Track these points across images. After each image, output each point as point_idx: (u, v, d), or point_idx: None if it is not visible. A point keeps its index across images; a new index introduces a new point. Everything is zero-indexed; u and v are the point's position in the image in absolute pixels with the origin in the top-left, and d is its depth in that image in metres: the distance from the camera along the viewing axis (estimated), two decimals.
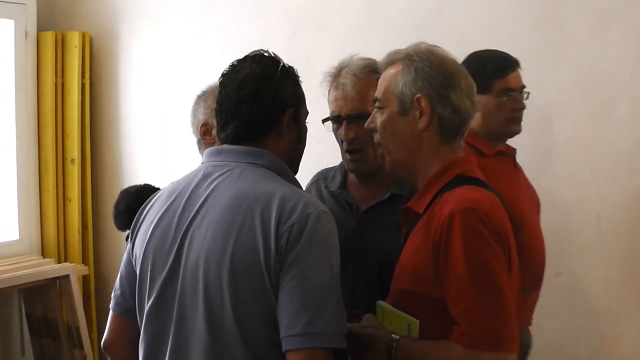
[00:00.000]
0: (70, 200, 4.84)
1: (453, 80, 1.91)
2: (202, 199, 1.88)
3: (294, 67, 2.05)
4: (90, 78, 4.83)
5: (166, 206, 1.94)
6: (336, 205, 2.41)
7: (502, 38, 3.13)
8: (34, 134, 4.77)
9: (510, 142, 3.00)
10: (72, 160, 4.79)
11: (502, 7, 3.24)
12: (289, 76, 2.00)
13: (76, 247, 4.81)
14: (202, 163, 2.00)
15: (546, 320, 3.03)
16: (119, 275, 2.08)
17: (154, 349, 1.92)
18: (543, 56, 3.16)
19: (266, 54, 2.01)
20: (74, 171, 4.80)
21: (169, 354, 1.87)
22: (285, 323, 1.74)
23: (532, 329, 2.86)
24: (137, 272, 1.97)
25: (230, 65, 2.01)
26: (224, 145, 1.98)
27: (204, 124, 2.53)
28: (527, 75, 3.02)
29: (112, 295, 2.10)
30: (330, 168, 2.53)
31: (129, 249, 2.04)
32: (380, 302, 1.96)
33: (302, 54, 3.64)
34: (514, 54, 3.03)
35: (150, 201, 2.05)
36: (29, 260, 4.63)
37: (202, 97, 2.59)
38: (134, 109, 4.73)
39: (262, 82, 1.93)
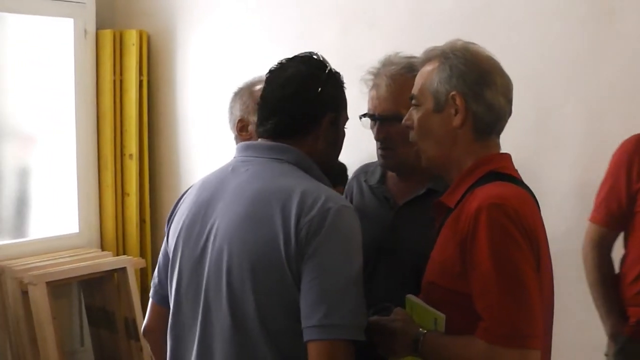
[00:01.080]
0: (128, 195, 4.94)
1: (488, 78, 1.91)
2: (227, 193, 1.93)
3: (340, 73, 2.07)
4: (148, 75, 4.92)
5: (196, 198, 2.00)
6: (374, 199, 2.43)
7: (550, 35, 3.10)
8: (93, 130, 4.89)
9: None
10: (130, 156, 4.89)
11: (550, 3, 3.20)
12: (334, 81, 2.03)
13: (134, 241, 4.92)
14: (234, 157, 2.05)
15: None
16: (157, 265, 2.16)
17: (182, 337, 1.98)
18: (593, 52, 3.11)
19: (315, 56, 2.04)
20: (132, 166, 4.89)
21: (197, 343, 1.92)
22: (304, 314, 1.77)
23: None
24: (170, 262, 2.03)
25: (278, 63, 2.04)
26: (258, 141, 2.03)
27: (240, 120, 2.57)
28: (578, 71, 2.99)
29: (152, 284, 2.18)
30: (371, 163, 2.55)
31: (165, 240, 2.11)
32: (410, 296, 1.98)
33: (352, 51, 3.66)
34: (563, 50, 3.01)
35: (184, 194, 2.11)
36: (88, 253, 4.75)
37: (238, 93, 2.63)
38: (190, 105, 4.80)
39: (306, 83, 1.97)
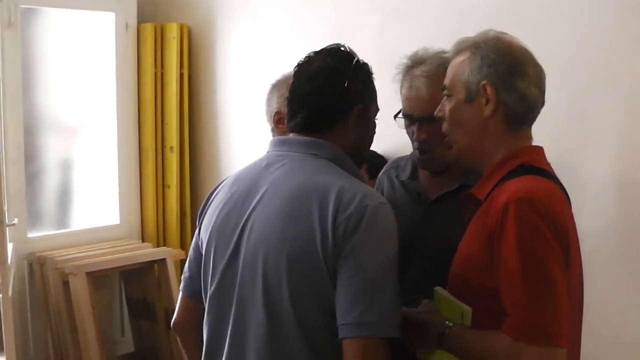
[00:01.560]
0: (169, 187, 4.99)
1: (520, 68, 1.89)
2: (263, 188, 1.93)
3: (368, 64, 2.05)
4: (188, 68, 4.95)
5: (230, 193, 2.00)
6: (406, 194, 2.42)
7: (587, 26, 3.04)
8: (135, 122, 4.95)
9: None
10: (171, 148, 4.93)
11: None
12: (362, 72, 2.01)
13: (174, 232, 4.96)
14: (267, 152, 2.05)
15: None
16: (188, 259, 2.17)
17: (216, 332, 1.98)
18: (630, 43, 3.05)
19: (342, 48, 2.02)
20: (172, 158, 4.94)
21: (229, 338, 1.93)
22: (341, 312, 1.77)
23: None
24: (202, 257, 2.04)
25: (305, 57, 2.04)
26: (289, 135, 2.02)
27: (277, 113, 2.56)
28: (615, 63, 2.93)
29: (182, 278, 2.19)
30: (402, 157, 2.53)
31: (197, 234, 2.12)
32: (438, 289, 1.97)
33: (390, 44, 3.64)
34: (600, 41, 2.95)
35: (217, 188, 2.11)
36: (129, 244, 4.82)
37: (276, 86, 2.63)
38: (230, 97, 4.82)
39: (333, 76, 1.95)
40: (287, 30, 4.36)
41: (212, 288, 1.98)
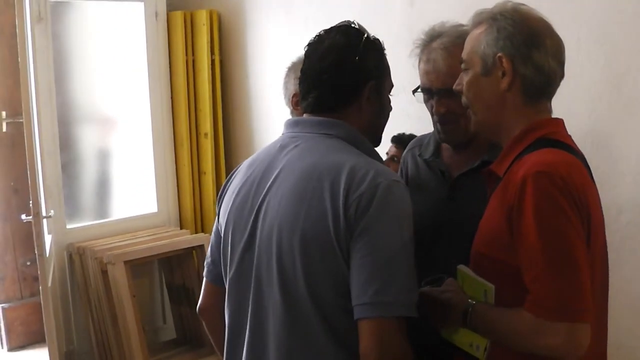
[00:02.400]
0: (205, 173, 5.00)
1: (537, 39, 1.84)
2: (277, 170, 1.91)
3: (380, 39, 2.02)
4: (220, 54, 4.95)
5: (246, 177, 1.99)
6: (429, 172, 2.39)
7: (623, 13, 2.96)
8: (168, 110, 4.97)
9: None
10: (206, 134, 4.95)
11: None
12: (373, 48, 1.98)
13: (212, 219, 4.97)
14: (282, 133, 2.04)
15: None
16: (210, 244, 2.17)
17: (237, 315, 1.98)
18: None
19: (352, 25, 1.99)
20: (207, 145, 4.95)
21: (249, 320, 1.93)
22: (355, 292, 1.75)
23: None
24: (222, 241, 2.04)
25: (316, 36, 2.01)
26: (303, 116, 2.00)
27: (295, 95, 2.54)
28: None
29: (205, 263, 2.19)
30: (424, 135, 2.50)
31: (216, 219, 2.12)
32: (461, 267, 1.94)
33: (420, 22, 3.59)
34: (635, 11, 2.86)
35: (234, 172, 2.11)
36: (167, 232, 4.85)
37: (292, 68, 2.61)
38: (262, 82, 4.81)
39: (344, 53, 1.92)
40: (316, 11, 4.32)
41: (232, 272, 1.98)
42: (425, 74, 2.29)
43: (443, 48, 2.24)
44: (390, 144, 3.34)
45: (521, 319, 1.69)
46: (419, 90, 2.32)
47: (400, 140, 3.25)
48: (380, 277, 1.73)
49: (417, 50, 2.31)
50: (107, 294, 4.32)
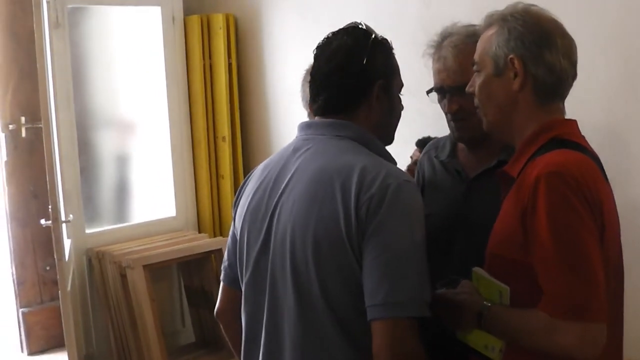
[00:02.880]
0: (223, 177, 5.01)
1: (548, 39, 1.84)
2: (290, 173, 1.92)
3: (388, 40, 2.02)
4: (237, 58, 4.96)
5: (260, 180, 2.00)
6: (446, 173, 2.39)
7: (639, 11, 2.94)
8: (186, 114, 4.99)
9: None
10: (223, 138, 4.95)
11: None
12: (381, 48, 1.98)
13: (230, 222, 4.90)
14: (296, 136, 2.04)
15: None
16: (227, 247, 2.18)
17: (253, 318, 1.99)
18: None
19: (360, 26, 2.00)
20: (225, 149, 4.96)
21: (265, 323, 1.93)
22: (368, 292, 1.75)
23: None
24: (237, 245, 2.04)
25: (324, 38, 2.02)
26: (315, 118, 2.01)
27: None
28: None
29: (222, 267, 2.20)
30: (441, 138, 2.50)
31: (233, 223, 2.13)
32: (476, 269, 1.94)
33: (435, 24, 3.58)
34: None
35: (249, 176, 2.12)
36: (185, 236, 4.87)
37: (309, 71, 2.61)
38: (279, 85, 4.81)
39: (352, 54, 1.93)
40: (334, 14, 4.31)
41: (247, 275, 1.98)
42: (437, 72, 2.30)
43: (453, 46, 2.25)
44: (414, 148, 3.33)
45: (536, 319, 1.69)
46: (433, 90, 2.33)
47: (424, 144, 3.24)
48: (392, 278, 1.73)
49: (431, 51, 2.31)
50: (126, 298, 4.34)
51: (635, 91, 2.93)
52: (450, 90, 2.26)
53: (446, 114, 2.31)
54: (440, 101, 2.32)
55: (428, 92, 2.33)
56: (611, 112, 3.01)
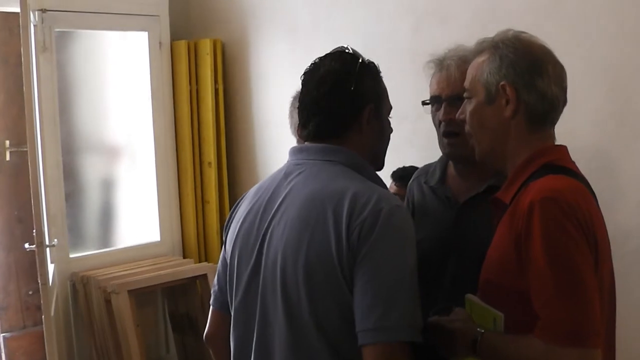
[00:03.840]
0: (208, 202, 4.99)
1: (539, 67, 1.86)
2: (281, 198, 1.92)
3: (375, 63, 2.04)
4: (223, 83, 4.96)
5: (251, 204, 2.00)
6: (436, 199, 2.39)
7: (626, 23, 2.96)
8: (172, 139, 4.97)
9: None
10: (209, 164, 4.94)
11: None
12: (369, 72, 2.00)
13: (215, 248, 4.96)
14: (287, 161, 2.04)
15: None
16: (217, 272, 2.18)
17: (243, 343, 1.98)
18: None
19: (346, 50, 2.01)
20: (211, 174, 4.94)
21: (255, 348, 1.92)
22: (359, 317, 1.75)
23: None
24: (228, 269, 2.04)
25: (312, 64, 2.03)
26: (305, 143, 2.01)
27: None
28: None
29: (212, 291, 2.20)
30: (430, 164, 2.51)
31: (223, 247, 2.12)
32: (469, 296, 1.94)
33: (425, 48, 3.60)
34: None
35: (240, 200, 2.12)
36: (170, 261, 4.83)
37: (297, 97, 2.62)
38: (266, 111, 4.81)
39: (340, 79, 1.94)
40: (321, 40, 4.32)
41: (238, 299, 1.98)
42: (437, 83, 2.31)
43: (457, 58, 2.27)
44: (390, 180, 3.30)
45: (531, 345, 1.68)
46: (428, 101, 2.33)
47: (401, 178, 3.20)
48: (383, 303, 1.72)
49: (432, 65, 2.32)
50: (110, 324, 4.29)
51: (624, 118, 2.96)
52: (447, 99, 2.26)
53: (438, 128, 2.30)
54: (434, 113, 2.32)
55: (424, 102, 2.34)
56: (599, 139, 3.02)
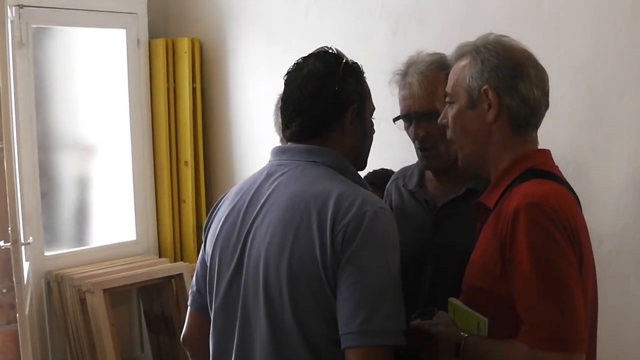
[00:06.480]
0: (184, 202, 4.98)
1: (521, 70, 1.86)
2: (264, 198, 1.91)
3: (359, 63, 2.04)
4: (201, 82, 4.95)
5: (232, 205, 1.99)
6: (414, 203, 2.40)
7: (603, 27, 2.99)
8: (149, 138, 4.95)
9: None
10: (186, 163, 4.92)
11: None
12: (353, 72, 1.99)
13: (191, 247, 4.95)
14: (269, 161, 2.03)
15: None
16: (195, 272, 2.15)
17: (222, 344, 1.96)
18: None
19: (330, 51, 2.01)
20: (187, 173, 4.93)
21: (235, 350, 1.91)
22: (342, 321, 1.74)
23: None
24: (208, 270, 2.02)
25: (294, 64, 2.02)
26: (288, 144, 2.00)
27: None
28: (632, 63, 2.87)
29: (189, 292, 2.17)
30: (408, 166, 2.51)
31: (203, 247, 2.10)
32: (452, 300, 1.94)
33: (403, 52, 3.61)
34: (616, 42, 2.89)
35: (221, 200, 2.10)
36: (146, 260, 4.81)
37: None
38: (243, 110, 4.80)
39: (324, 79, 1.94)
40: (298, 40, 4.34)
41: (218, 301, 1.96)
42: (402, 100, 2.32)
43: (419, 73, 2.27)
44: None
45: (515, 350, 1.69)
46: (399, 118, 2.35)
47: (372, 184, 3.14)
48: (367, 306, 1.72)
49: (397, 79, 2.33)
50: (85, 323, 4.26)
51: (600, 122, 2.98)
52: (416, 117, 2.27)
53: (414, 142, 2.32)
54: (407, 129, 2.33)
55: (395, 119, 2.35)
56: (575, 142, 3.05)
